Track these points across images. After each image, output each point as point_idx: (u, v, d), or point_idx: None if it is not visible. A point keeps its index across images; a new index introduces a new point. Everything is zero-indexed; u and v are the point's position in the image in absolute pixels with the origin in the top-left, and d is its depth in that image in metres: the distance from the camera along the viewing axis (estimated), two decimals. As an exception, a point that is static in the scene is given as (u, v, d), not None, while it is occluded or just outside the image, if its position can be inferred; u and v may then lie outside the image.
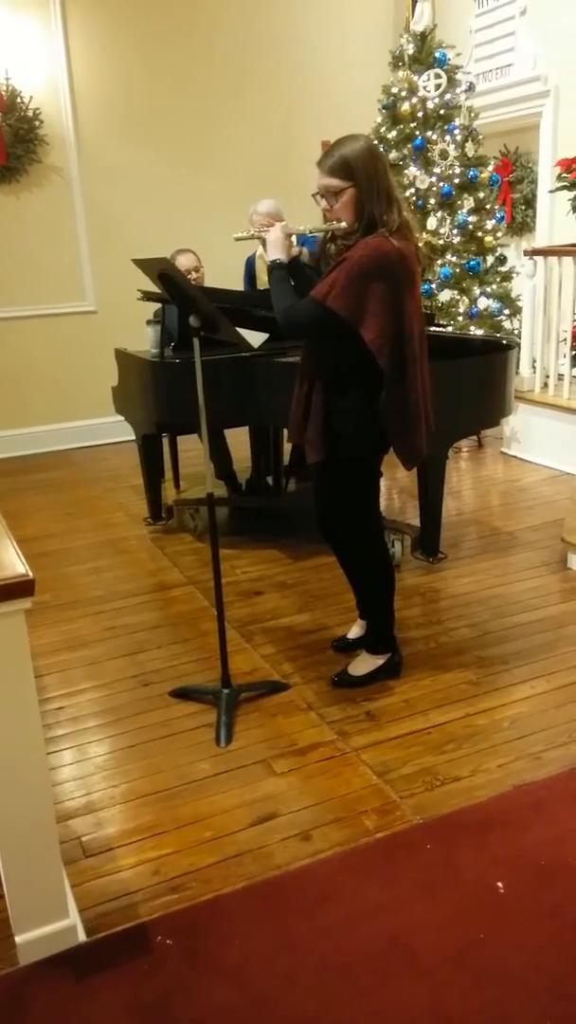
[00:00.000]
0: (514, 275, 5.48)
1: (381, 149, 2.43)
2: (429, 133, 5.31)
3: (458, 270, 5.33)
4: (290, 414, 2.62)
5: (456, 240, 5.33)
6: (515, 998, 1.64)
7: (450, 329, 5.13)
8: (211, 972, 1.73)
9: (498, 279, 5.45)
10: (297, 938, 1.81)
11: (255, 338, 2.63)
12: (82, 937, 1.83)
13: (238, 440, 4.68)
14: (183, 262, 4.54)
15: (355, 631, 3.04)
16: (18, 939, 1.76)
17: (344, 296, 2.28)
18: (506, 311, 5.43)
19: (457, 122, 5.30)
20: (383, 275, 2.28)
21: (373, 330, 2.31)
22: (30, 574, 1.54)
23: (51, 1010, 1.67)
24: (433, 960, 1.73)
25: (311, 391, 2.50)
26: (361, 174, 2.28)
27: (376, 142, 3.38)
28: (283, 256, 2.50)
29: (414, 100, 5.32)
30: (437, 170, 5.30)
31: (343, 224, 2.35)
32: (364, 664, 2.83)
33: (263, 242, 2.63)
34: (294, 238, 2.59)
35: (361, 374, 2.43)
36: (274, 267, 2.50)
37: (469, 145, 5.32)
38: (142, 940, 1.82)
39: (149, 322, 4.08)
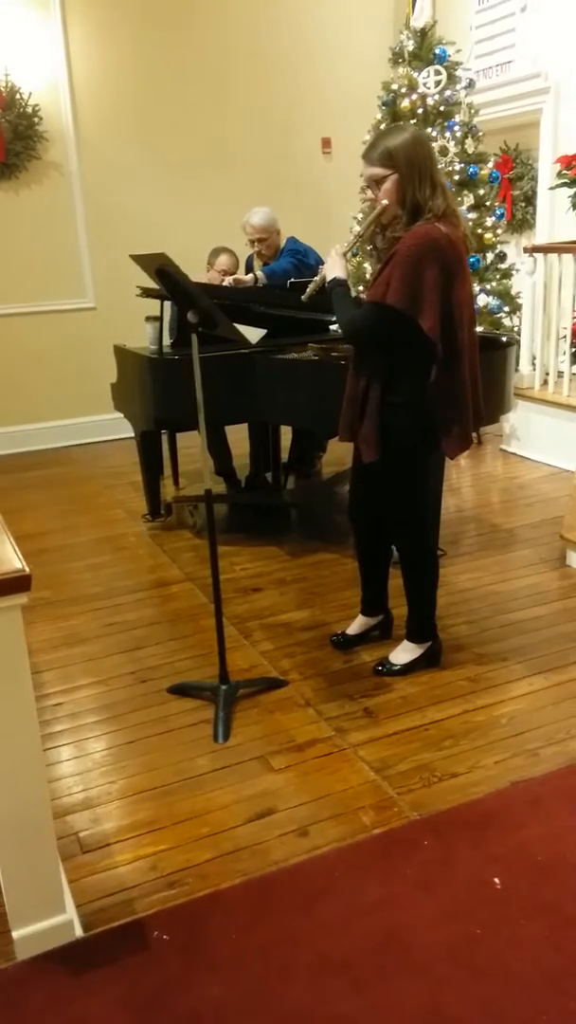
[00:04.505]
0: (514, 272, 5.47)
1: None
2: (429, 130, 5.30)
3: (458, 267, 5.31)
4: (341, 413, 2.64)
5: (456, 237, 5.32)
6: (512, 994, 1.64)
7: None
8: (208, 967, 1.74)
9: (498, 276, 5.44)
10: (294, 934, 1.81)
11: (253, 334, 2.63)
12: (79, 932, 1.83)
13: (237, 437, 4.68)
14: (223, 261, 4.56)
15: (355, 627, 3.04)
16: (15, 934, 1.76)
17: (400, 288, 2.32)
18: (506, 308, 5.42)
19: (457, 119, 5.29)
20: (434, 261, 2.32)
21: (431, 318, 2.34)
22: (27, 569, 1.54)
23: (48, 1005, 1.68)
24: (430, 956, 1.73)
25: (367, 389, 2.52)
26: (402, 161, 2.35)
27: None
28: (342, 274, 2.58)
29: (414, 97, 5.31)
30: (439, 166, 5.29)
31: (386, 202, 2.40)
32: (407, 653, 2.84)
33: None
34: (334, 255, 2.65)
35: (414, 369, 2.45)
36: (335, 285, 2.57)
37: (469, 142, 5.31)
38: (139, 935, 1.82)
39: (148, 319, 4.08)
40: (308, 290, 2.71)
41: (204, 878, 1.98)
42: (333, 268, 2.60)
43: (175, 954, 1.77)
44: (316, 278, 2.69)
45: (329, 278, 2.59)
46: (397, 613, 3.04)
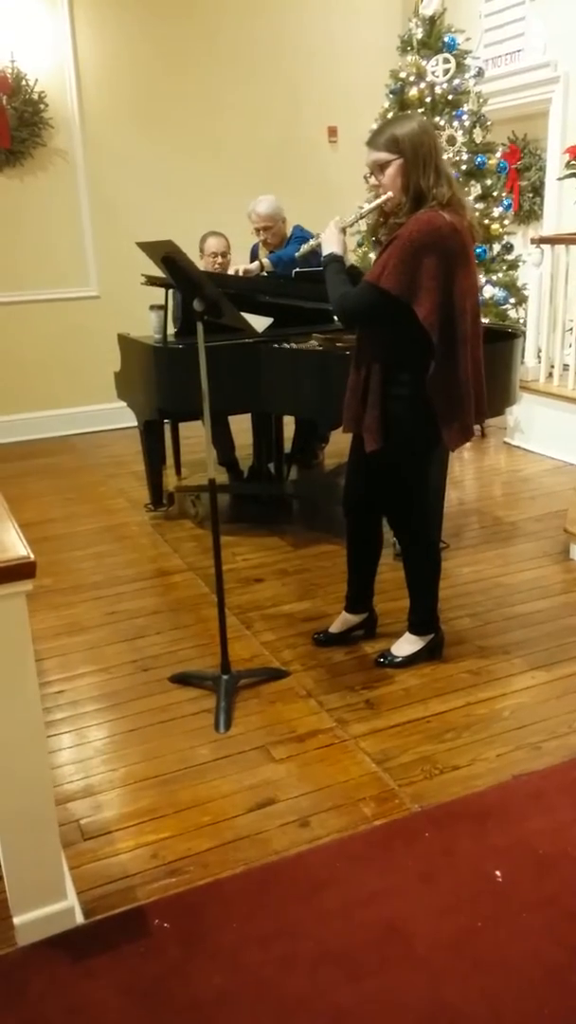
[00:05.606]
0: (520, 263, 5.45)
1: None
2: (437, 119, 5.27)
3: (464, 258, 5.29)
4: (344, 402, 2.61)
5: (462, 228, 5.30)
6: (512, 986, 1.64)
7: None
8: (208, 956, 1.74)
9: (504, 267, 5.42)
10: (294, 923, 1.81)
11: (259, 323, 2.61)
12: (80, 919, 1.83)
13: (240, 427, 4.67)
14: (212, 244, 4.52)
15: (337, 625, 3.01)
16: (16, 920, 1.77)
17: (396, 274, 2.28)
18: (512, 300, 5.40)
19: (465, 108, 5.26)
20: (435, 249, 2.28)
21: (427, 306, 2.30)
22: (31, 556, 1.53)
23: (48, 991, 1.68)
24: (430, 947, 1.73)
25: (368, 378, 2.49)
26: (407, 147, 2.32)
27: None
28: (338, 250, 2.55)
29: (422, 85, 5.28)
30: (444, 156, 5.26)
31: (391, 194, 2.37)
32: (409, 645, 2.83)
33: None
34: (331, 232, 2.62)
35: (416, 359, 2.41)
36: (329, 260, 2.53)
37: (477, 131, 5.28)
38: (140, 923, 1.83)
39: (152, 307, 4.06)
40: (303, 248, 2.74)
41: (205, 867, 1.98)
42: (330, 242, 2.56)
43: (175, 942, 1.78)
44: (312, 241, 2.69)
45: (325, 252, 2.55)
46: (393, 607, 3.04)
